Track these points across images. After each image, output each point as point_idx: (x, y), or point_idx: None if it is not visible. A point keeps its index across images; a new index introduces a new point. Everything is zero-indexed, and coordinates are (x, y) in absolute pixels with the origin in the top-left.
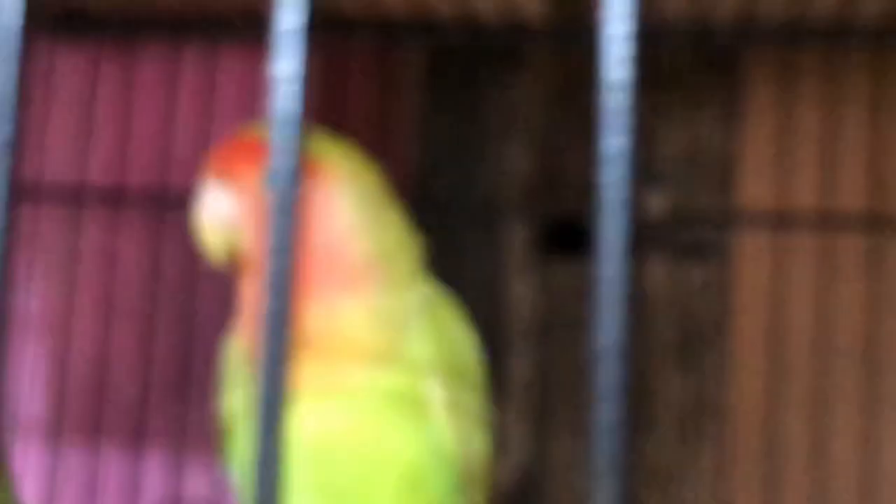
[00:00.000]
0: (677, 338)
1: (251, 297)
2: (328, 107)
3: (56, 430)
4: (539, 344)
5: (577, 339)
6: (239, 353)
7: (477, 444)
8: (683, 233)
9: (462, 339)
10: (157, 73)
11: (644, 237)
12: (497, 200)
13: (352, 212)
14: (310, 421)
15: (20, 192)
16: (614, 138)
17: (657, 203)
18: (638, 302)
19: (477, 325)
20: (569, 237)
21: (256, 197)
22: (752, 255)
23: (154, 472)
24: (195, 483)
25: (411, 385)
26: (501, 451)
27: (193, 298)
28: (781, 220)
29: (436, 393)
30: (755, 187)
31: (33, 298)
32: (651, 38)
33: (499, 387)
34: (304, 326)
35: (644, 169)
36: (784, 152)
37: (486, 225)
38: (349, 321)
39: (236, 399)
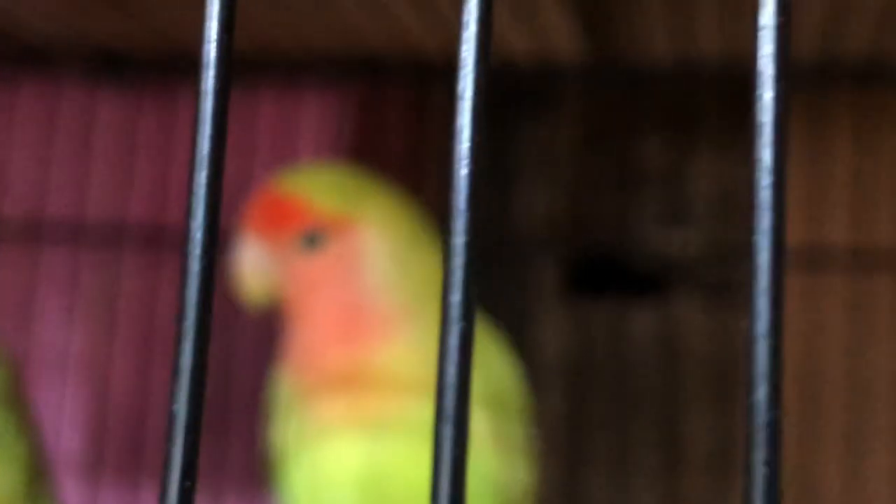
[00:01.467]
0: (709, 378)
1: (291, 340)
2: (363, 149)
3: (95, 468)
4: (569, 384)
5: (607, 378)
6: (289, 387)
7: (520, 473)
8: (715, 271)
9: (504, 370)
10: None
11: (675, 276)
12: (526, 240)
13: (383, 264)
14: (355, 453)
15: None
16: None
17: (687, 240)
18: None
19: None
20: (597, 277)
21: (292, 253)
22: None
23: None
24: None
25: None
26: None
27: (231, 339)
28: (813, 259)
29: (478, 423)
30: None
31: (73, 338)
32: (685, 77)
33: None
34: (346, 365)
35: (676, 208)
36: (816, 190)
37: (516, 265)
38: (388, 361)
39: (288, 430)
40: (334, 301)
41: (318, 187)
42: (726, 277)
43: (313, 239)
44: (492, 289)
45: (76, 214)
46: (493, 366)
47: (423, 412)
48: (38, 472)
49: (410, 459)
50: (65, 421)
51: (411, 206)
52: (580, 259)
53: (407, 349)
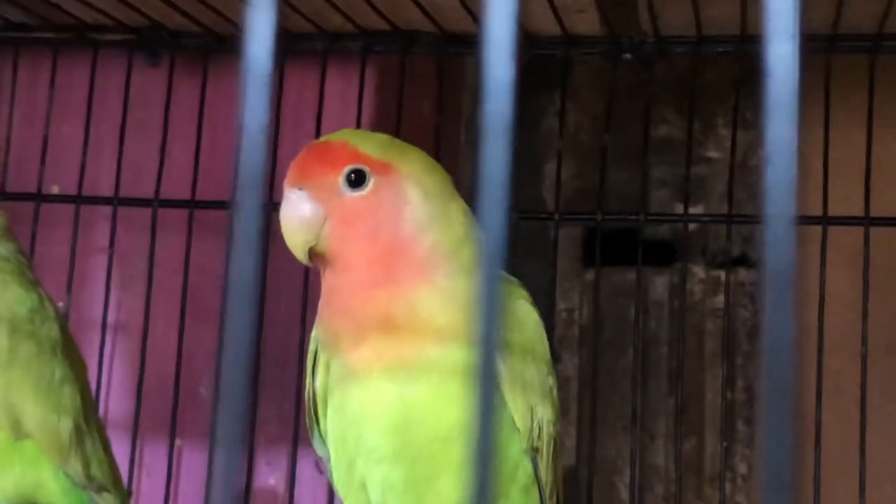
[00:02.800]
0: (720, 344)
1: (330, 289)
2: (386, 115)
3: (138, 428)
4: (588, 349)
5: (623, 344)
6: (326, 333)
7: (541, 414)
8: (729, 242)
9: (525, 318)
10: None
11: (690, 246)
12: (545, 211)
13: (421, 207)
14: (387, 392)
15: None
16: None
17: (704, 210)
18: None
19: None
20: (616, 247)
21: (332, 197)
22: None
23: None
24: (264, 475)
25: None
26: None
27: (265, 299)
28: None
29: (502, 367)
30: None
31: (113, 303)
32: (702, 52)
33: None
34: (381, 308)
35: (691, 181)
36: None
37: (536, 235)
38: (422, 303)
39: (326, 375)
40: (372, 241)
41: (359, 135)
42: (740, 248)
43: (355, 178)
44: (513, 257)
45: (120, 184)
46: (515, 315)
47: (453, 356)
48: (87, 416)
49: (440, 401)
50: (108, 382)
51: (440, 169)
52: (599, 229)
53: (440, 294)
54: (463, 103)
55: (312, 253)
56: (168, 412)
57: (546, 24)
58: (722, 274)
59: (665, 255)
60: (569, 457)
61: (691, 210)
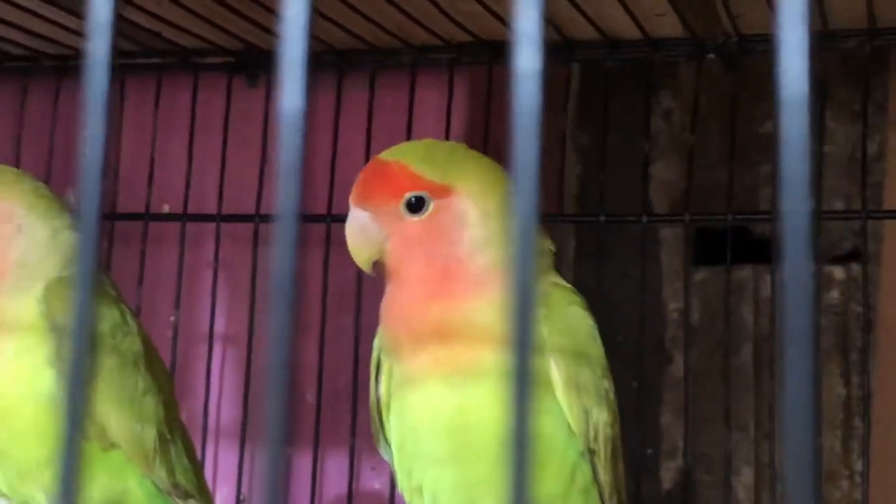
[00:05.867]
0: (826, 342)
1: (390, 298)
2: (476, 124)
3: (246, 436)
4: (691, 347)
5: (734, 343)
6: (387, 342)
7: (597, 417)
8: (834, 239)
9: (578, 323)
10: (325, 102)
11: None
12: (649, 212)
13: (479, 228)
14: (444, 397)
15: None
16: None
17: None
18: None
19: (633, 330)
20: (716, 247)
21: (393, 221)
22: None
23: (332, 471)
24: (369, 479)
25: (535, 365)
26: (661, 454)
27: (361, 308)
28: None
29: (555, 371)
30: None
31: (220, 315)
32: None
33: (654, 390)
34: (436, 319)
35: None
36: None
37: (639, 236)
38: (477, 315)
39: (388, 382)
40: (430, 261)
41: (417, 157)
42: (847, 245)
43: (413, 204)
44: (618, 258)
45: (223, 201)
46: (568, 321)
47: (504, 362)
48: (171, 425)
49: (495, 406)
50: (219, 391)
51: (507, 177)
52: (703, 228)
53: (494, 305)
54: (568, 110)
55: (376, 263)
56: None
57: (626, 29)
58: (835, 270)
59: (771, 253)
60: (681, 458)
61: None
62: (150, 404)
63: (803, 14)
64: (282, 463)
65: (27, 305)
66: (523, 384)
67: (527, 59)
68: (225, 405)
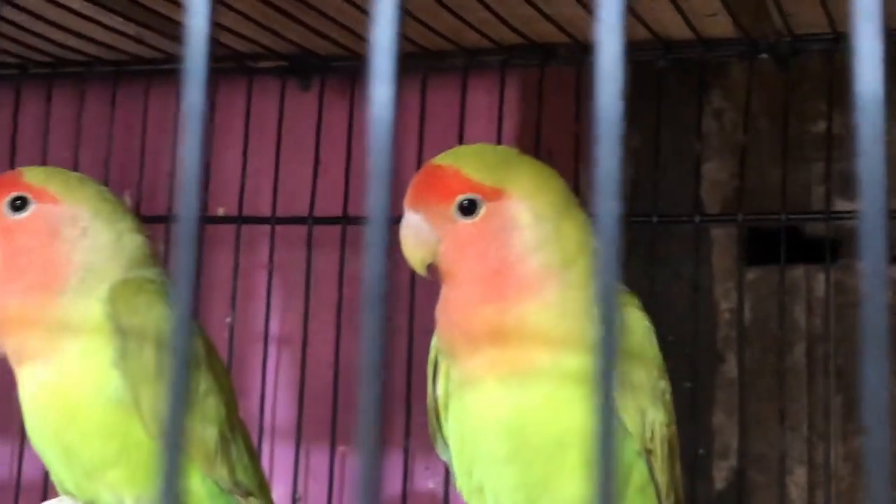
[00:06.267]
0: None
1: (445, 300)
2: (529, 126)
3: (301, 435)
4: (743, 348)
5: (787, 343)
6: (443, 343)
7: (653, 416)
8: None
9: (635, 324)
10: None
11: (847, 244)
12: (700, 212)
13: (532, 230)
14: (502, 398)
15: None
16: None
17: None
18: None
19: (684, 331)
20: (767, 246)
21: (446, 224)
22: None
23: (386, 471)
24: (423, 479)
25: (590, 365)
26: (714, 454)
27: (415, 311)
28: None
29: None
30: None
31: (275, 316)
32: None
33: (706, 391)
34: (490, 321)
35: (846, 177)
36: None
37: (691, 235)
38: (531, 317)
39: (445, 384)
40: (483, 264)
41: (470, 160)
42: None
43: (466, 207)
44: (670, 258)
45: (278, 203)
46: (628, 323)
47: (564, 364)
48: (232, 425)
49: (552, 407)
50: (274, 391)
51: (559, 180)
52: (755, 228)
53: (548, 307)
54: None
55: (430, 265)
56: (330, 419)
57: (678, 30)
58: (893, 270)
59: (831, 251)
60: (734, 458)
61: (850, 206)
62: (212, 404)
63: (877, 14)
64: (377, 464)
65: (92, 307)
66: (607, 389)
67: (609, 57)
68: (280, 405)
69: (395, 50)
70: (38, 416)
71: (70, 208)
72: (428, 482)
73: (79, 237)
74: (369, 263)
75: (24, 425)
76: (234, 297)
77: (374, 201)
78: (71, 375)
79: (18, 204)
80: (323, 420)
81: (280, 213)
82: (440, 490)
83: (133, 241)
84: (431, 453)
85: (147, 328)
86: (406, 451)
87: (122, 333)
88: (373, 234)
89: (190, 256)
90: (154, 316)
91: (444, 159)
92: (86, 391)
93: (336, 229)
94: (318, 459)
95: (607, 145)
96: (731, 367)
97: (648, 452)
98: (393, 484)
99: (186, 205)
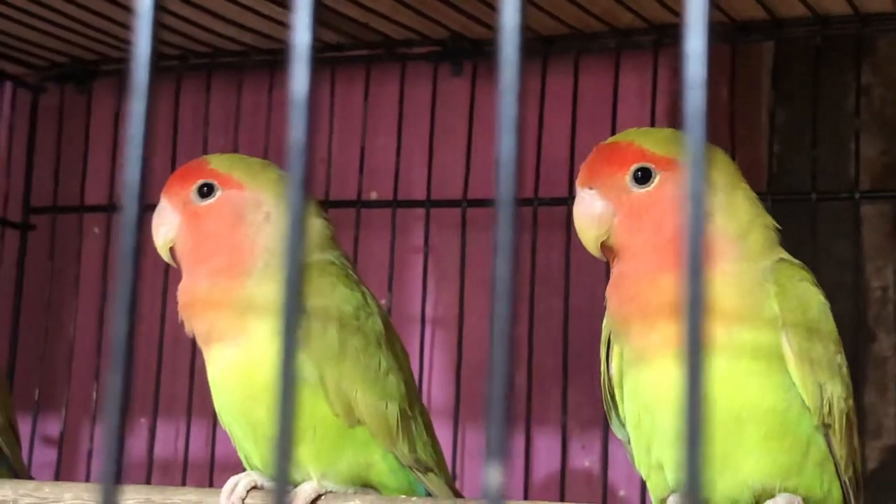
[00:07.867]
0: None
1: (618, 277)
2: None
3: (459, 413)
4: None
5: None
6: (615, 319)
7: (831, 391)
8: None
9: (809, 299)
10: (530, 88)
11: None
12: (849, 187)
13: (707, 201)
14: (677, 375)
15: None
16: None
17: None
18: None
19: (837, 308)
20: None
21: (621, 195)
22: None
23: (543, 450)
24: (579, 457)
25: (767, 339)
26: (866, 433)
27: (570, 291)
28: None
29: (788, 346)
30: None
31: (430, 298)
32: None
33: (857, 369)
34: (666, 292)
35: None
36: None
37: (848, 213)
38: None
39: (618, 360)
40: (659, 233)
41: (643, 135)
42: None
43: (640, 176)
44: (820, 235)
45: (431, 187)
46: (799, 296)
47: (740, 337)
48: (411, 402)
49: (730, 382)
50: (429, 372)
51: (727, 155)
52: None
53: (726, 278)
54: (763, 88)
55: (603, 246)
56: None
57: (836, 5)
58: None
59: None
60: (887, 437)
61: None
62: (393, 382)
63: None
64: (505, 442)
65: (278, 290)
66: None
67: (695, 41)
68: (436, 386)
69: (518, 37)
70: (227, 395)
71: (254, 194)
72: (584, 460)
73: (263, 222)
74: (499, 244)
75: (214, 404)
76: (390, 280)
77: (503, 187)
78: (258, 355)
79: (206, 190)
80: (479, 400)
81: (434, 196)
82: (596, 468)
83: (314, 224)
84: (587, 433)
85: (330, 309)
86: (563, 430)
87: (307, 314)
88: (503, 217)
89: (297, 234)
90: (336, 297)
91: (616, 137)
92: (272, 371)
93: (489, 211)
94: (475, 439)
95: (693, 118)
96: (882, 346)
97: (827, 427)
98: (550, 462)
99: (295, 190)
